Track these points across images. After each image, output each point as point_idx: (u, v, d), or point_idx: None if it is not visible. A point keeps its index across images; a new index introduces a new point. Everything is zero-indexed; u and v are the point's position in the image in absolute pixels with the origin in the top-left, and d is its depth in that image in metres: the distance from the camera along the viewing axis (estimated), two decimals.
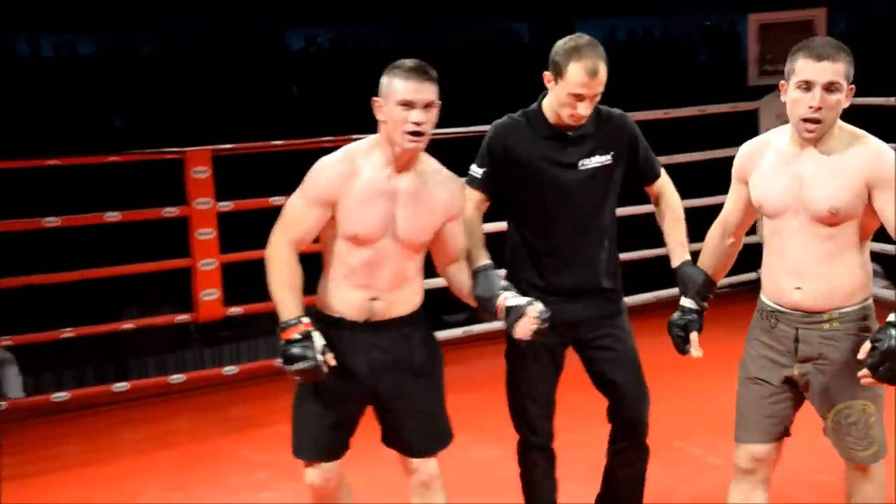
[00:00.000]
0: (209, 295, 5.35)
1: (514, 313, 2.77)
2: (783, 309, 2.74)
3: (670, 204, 3.17)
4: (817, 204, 2.65)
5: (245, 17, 13.24)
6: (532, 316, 2.74)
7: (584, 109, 2.93)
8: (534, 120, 3.05)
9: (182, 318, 5.43)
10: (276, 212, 5.53)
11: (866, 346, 2.58)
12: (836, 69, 2.59)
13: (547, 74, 2.98)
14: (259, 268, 6.15)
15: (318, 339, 2.71)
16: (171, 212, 5.25)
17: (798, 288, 2.70)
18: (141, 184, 6.19)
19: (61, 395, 5.11)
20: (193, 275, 5.32)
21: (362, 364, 2.83)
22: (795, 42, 2.71)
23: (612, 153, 3.05)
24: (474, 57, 13.65)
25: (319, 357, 2.69)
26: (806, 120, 2.62)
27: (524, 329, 2.76)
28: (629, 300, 4.05)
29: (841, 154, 2.65)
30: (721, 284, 3.13)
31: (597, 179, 3.04)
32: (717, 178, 6.14)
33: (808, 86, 2.60)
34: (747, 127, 6.91)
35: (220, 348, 7.01)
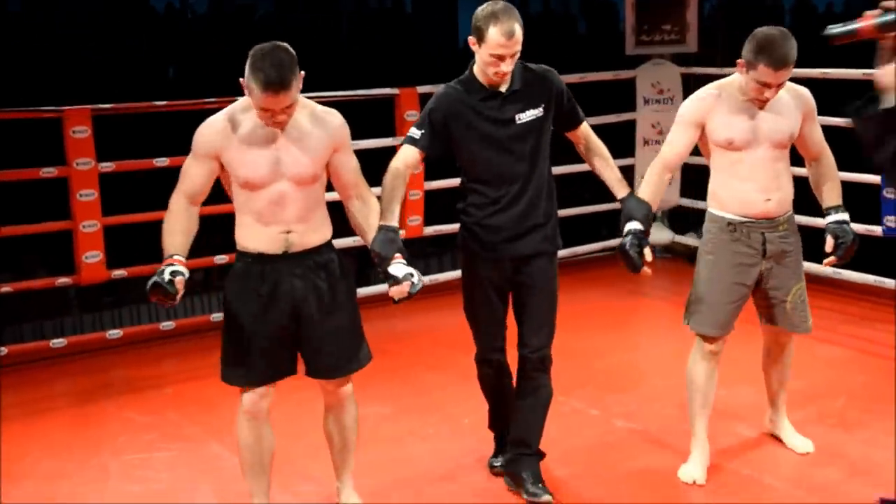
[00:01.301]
0: (92, 257, 5.26)
1: (392, 279, 3.09)
2: (751, 220, 3.53)
3: (598, 146, 3.54)
4: (780, 134, 3.49)
5: None
6: (405, 286, 3.07)
7: (506, 67, 3.27)
8: (468, 85, 3.40)
9: (63, 280, 5.31)
10: (159, 173, 5.58)
11: (830, 240, 3.54)
12: (789, 70, 3.34)
13: (471, 39, 3.31)
14: (142, 230, 6.11)
15: (172, 266, 2.98)
16: (49, 172, 5.12)
17: (768, 199, 3.51)
18: (17, 143, 5.98)
19: None
20: (75, 237, 5.22)
21: (285, 293, 3.11)
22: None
23: (543, 105, 3.39)
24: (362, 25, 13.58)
25: (165, 277, 2.94)
26: (759, 100, 3.44)
27: (397, 292, 3.09)
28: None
29: (782, 96, 3.48)
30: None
31: (532, 130, 3.39)
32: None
33: (766, 85, 3.36)
34: (625, 94, 7.16)
35: (101, 314, 6.87)
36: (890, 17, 2.16)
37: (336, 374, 3.23)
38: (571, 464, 3.83)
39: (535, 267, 3.47)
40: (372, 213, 3.22)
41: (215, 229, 4.80)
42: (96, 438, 4.29)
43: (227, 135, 3.04)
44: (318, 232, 3.17)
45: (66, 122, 5.10)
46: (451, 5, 16.44)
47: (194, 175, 3.08)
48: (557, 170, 4.68)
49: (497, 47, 3.23)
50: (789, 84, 3.52)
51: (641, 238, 3.38)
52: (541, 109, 3.39)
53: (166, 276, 2.93)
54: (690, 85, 6.48)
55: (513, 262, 3.45)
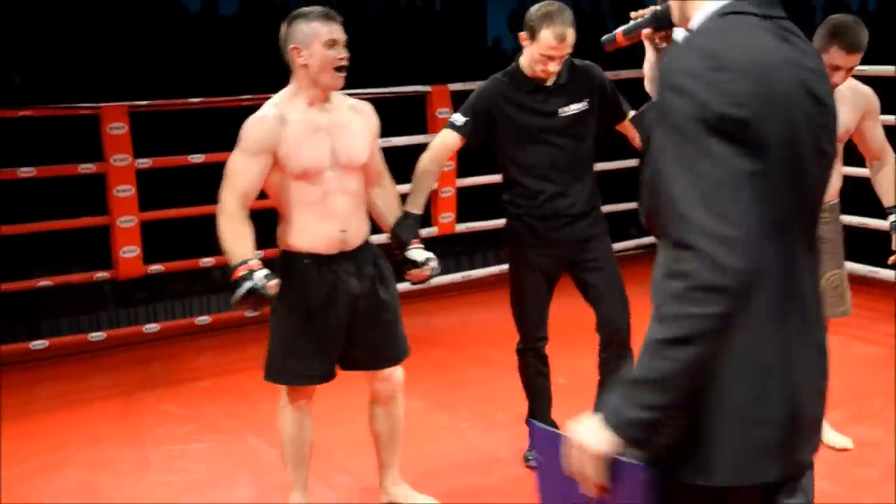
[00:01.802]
0: (129, 252, 5.33)
1: (411, 263, 3.24)
2: None
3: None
4: (838, 129, 3.28)
5: None
6: (426, 269, 3.24)
7: (554, 67, 3.40)
8: (514, 77, 3.50)
9: (101, 275, 5.38)
10: (195, 169, 5.64)
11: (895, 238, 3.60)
12: (859, 56, 3.36)
13: (522, 35, 3.41)
14: (178, 225, 6.18)
15: (260, 271, 2.95)
16: (87, 168, 5.19)
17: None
18: (56, 140, 6.07)
19: None
20: (112, 232, 5.29)
21: (343, 293, 3.13)
22: None
23: (587, 99, 3.50)
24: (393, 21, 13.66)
25: (260, 283, 2.92)
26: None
27: (416, 276, 3.26)
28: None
29: (843, 92, 3.48)
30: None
31: (575, 123, 3.49)
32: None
33: (836, 68, 3.34)
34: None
35: (136, 309, 6.94)
36: (633, 23, 2.00)
37: (395, 361, 3.31)
38: None
39: (595, 248, 3.58)
40: (394, 199, 3.33)
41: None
42: (135, 429, 4.35)
43: (281, 126, 3.02)
44: (365, 226, 3.22)
45: (104, 119, 5.16)
46: (480, 3, 16.49)
47: (249, 174, 3.01)
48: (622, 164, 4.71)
49: (548, 48, 3.34)
50: (852, 81, 3.58)
51: None
52: (585, 103, 3.49)
53: (260, 281, 2.91)
54: None
55: (565, 248, 3.56)
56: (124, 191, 5.26)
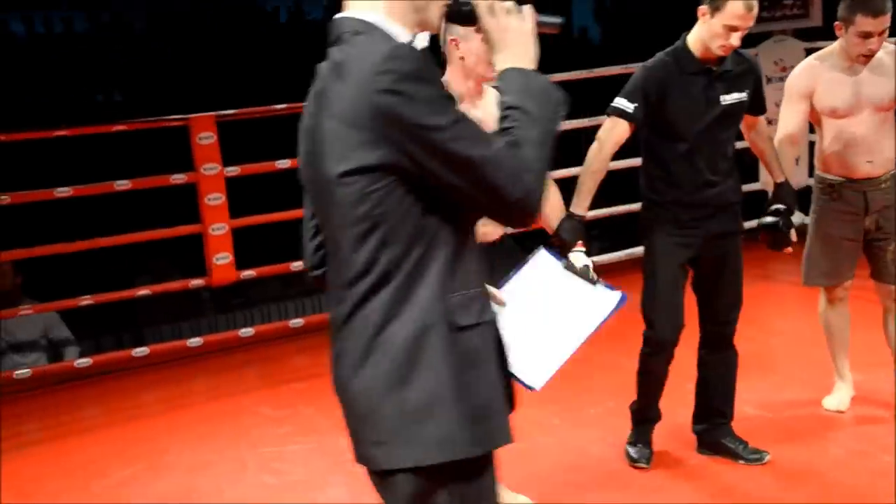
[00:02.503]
0: (222, 259, 5.45)
1: (570, 267, 3.09)
2: (853, 179, 3.69)
3: (766, 130, 3.62)
4: (882, 98, 3.61)
5: None
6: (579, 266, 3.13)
7: (736, 40, 3.26)
8: (681, 57, 3.38)
9: (196, 282, 5.52)
10: (281, 175, 5.72)
11: None
12: (887, 18, 3.45)
13: (703, 8, 3.29)
14: (268, 231, 6.27)
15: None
16: (179, 178, 5.32)
17: (870, 161, 3.65)
18: (148, 153, 6.24)
19: (83, 361, 5.21)
20: (205, 240, 5.41)
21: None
22: None
23: (746, 90, 3.42)
24: None
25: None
26: (864, 55, 3.54)
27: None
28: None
29: (884, 59, 3.59)
30: None
31: (733, 113, 3.42)
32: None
33: (867, 35, 3.46)
34: None
35: (234, 314, 7.11)
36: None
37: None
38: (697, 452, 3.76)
39: (729, 244, 3.52)
40: (555, 203, 3.20)
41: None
42: (233, 432, 4.45)
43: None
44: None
45: (193, 130, 5.29)
46: None
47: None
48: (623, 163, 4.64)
49: (735, 18, 3.21)
50: (891, 46, 3.62)
51: (788, 218, 3.48)
52: (745, 94, 3.41)
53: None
54: None
55: (704, 240, 3.48)
56: (215, 199, 5.38)
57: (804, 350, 4.80)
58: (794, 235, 3.48)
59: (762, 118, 3.59)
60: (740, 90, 3.39)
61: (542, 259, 3.03)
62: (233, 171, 5.41)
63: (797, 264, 3.94)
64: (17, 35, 13.73)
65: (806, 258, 3.88)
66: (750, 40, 7.19)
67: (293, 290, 7.45)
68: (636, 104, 3.35)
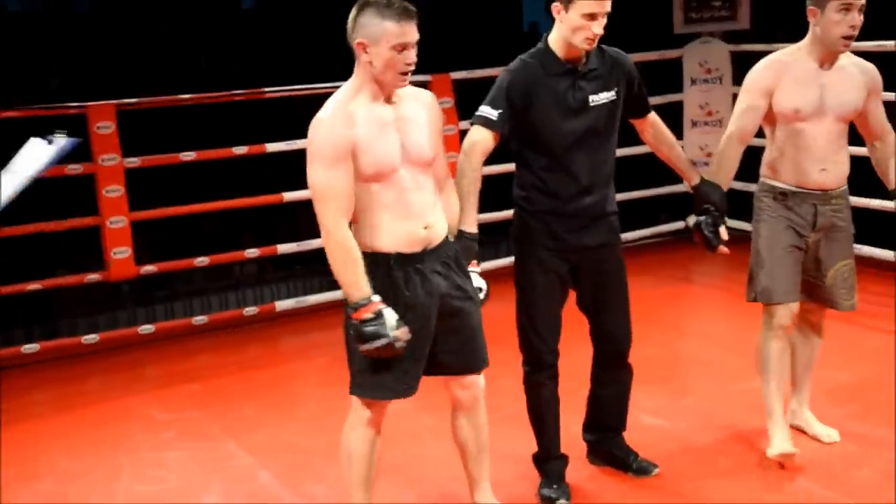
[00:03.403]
0: (120, 253, 5.24)
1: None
2: (805, 190, 3.42)
3: (667, 133, 3.43)
4: (845, 107, 3.39)
5: None
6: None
7: (598, 28, 3.07)
8: (544, 59, 3.19)
9: (92, 277, 5.30)
10: (185, 168, 5.54)
11: None
12: None
13: (556, 6, 3.12)
14: (170, 225, 6.09)
15: (391, 316, 2.77)
16: (75, 169, 5.11)
17: (823, 170, 3.40)
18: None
19: None
20: (103, 233, 5.21)
21: (428, 294, 2.90)
22: None
23: (616, 89, 3.22)
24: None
25: (392, 334, 2.75)
26: (846, 37, 3.27)
27: None
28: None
29: (849, 69, 3.39)
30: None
31: (605, 114, 3.22)
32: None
33: (848, 8, 3.22)
34: (672, 75, 6.90)
35: (153, 308, 6.88)
36: None
37: (482, 366, 3.07)
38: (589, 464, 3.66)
39: (608, 257, 3.33)
40: (453, 215, 3.04)
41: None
42: (116, 436, 4.25)
43: (352, 125, 2.76)
44: (443, 222, 2.98)
45: (91, 118, 5.07)
46: None
47: (343, 184, 2.75)
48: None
49: (590, 5, 3.03)
50: (856, 58, 3.45)
51: (717, 217, 3.35)
52: (614, 93, 3.22)
53: (393, 332, 2.75)
54: (741, 63, 6.22)
55: (580, 253, 3.28)
56: (113, 191, 5.17)
57: (712, 356, 4.74)
58: (724, 234, 3.34)
59: (653, 117, 3.40)
60: (609, 89, 3.20)
61: None
62: (133, 162, 5.20)
63: (719, 266, 3.82)
64: None
65: (752, 271, 3.52)
66: (677, 40, 7.18)
67: (221, 282, 7.25)
68: (500, 110, 3.14)
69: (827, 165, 3.41)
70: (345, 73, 2.89)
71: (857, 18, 3.24)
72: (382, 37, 2.73)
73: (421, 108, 2.92)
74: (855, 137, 3.57)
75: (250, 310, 5.65)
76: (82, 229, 5.37)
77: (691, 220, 3.43)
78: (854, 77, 3.40)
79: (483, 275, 3.12)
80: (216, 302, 6.23)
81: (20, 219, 5.17)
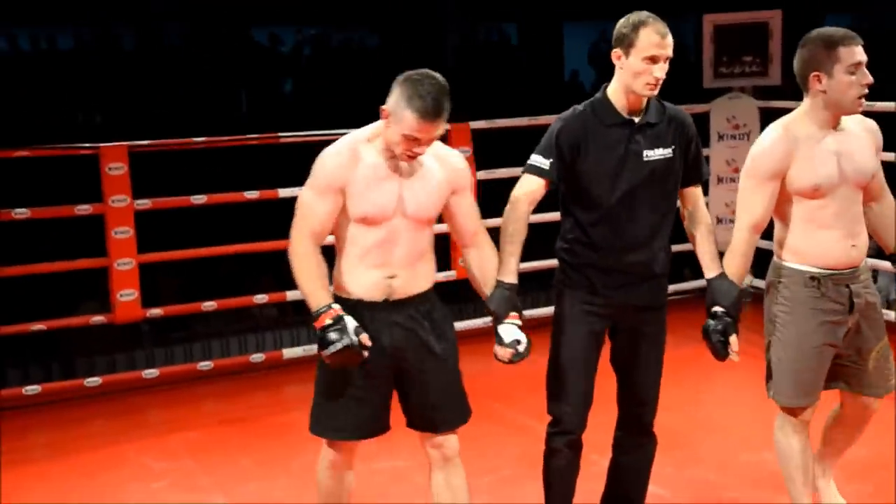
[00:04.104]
0: (127, 296, 5.19)
1: (499, 340, 2.98)
2: (836, 271, 3.10)
3: (705, 214, 3.23)
4: (864, 174, 3.10)
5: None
6: (508, 352, 2.97)
7: (660, 72, 2.96)
8: (600, 109, 3.08)
9: (97, 318, 5.25)
10: (196, 211, 5.50)
11: None
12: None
13: (616, 52, 3.01)
14: (177, 268, 6.04)
15: (351, 322, 2.82)
16: (84, 209, 5.08)
17: (854, 245, 3.09)
18: (53, 180, 6.01)
19: None
20: (110, 274, 5.16)
21: (385, 343, 2.92)
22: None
23: (673, 147, 3.08)
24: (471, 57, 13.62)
25: (354, 338, 2.80)
26: (861, 97, 3.01)
27: (501, 354, 2.98)
28: None
29: (853, 129, 3.11)
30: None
31: (659, 171, 3.07)
32: None
33: (858, 66, 2.97)
34: (699, 129, 6.76)
35: (172, 349, 6.85)
36: None
37: (445, 428, 3.04)
38: None
39: (650, 319, 3.17)
40: (488, 266, 3.03)
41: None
42: (106, 485, 4.16)
43: (353, 165, 2.87)
44: (423, 279, 2.98)
45: (103, 159, 5.05)
46: (557, 37, 16.23)
47: (320, 212, 2.88)
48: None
49: (652, 47, 2.93)
50: (858, 116, 3.15)
51: (728, 324, 3.09)
52: (671, 150, 3.06)
53: (354, 336, 2.80)
54: (770, 119, 6.08)
55: (621, 310, 3.13)
56: (122, 232, 5.14)
57: (726, 423, 4.56)
58: (735, 344, 3.07)
59: (698, 192, 3.19)
60: (666, 146, 3.05)
61: None
62: (143, 203, 5.17)
63: (743, 328, 3.52)
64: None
65: (778, 371, 3.19)
66: (706, 95, 7.06)
67: (240, 325, 7.21)
68: (551, 160, 3.05)
69: (855, 240, 3.11)
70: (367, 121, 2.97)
71: (867, 75, 2.99)
72: (403, 121, 2.79)
73: (442, 168, 2.96)
74: None
75: (257, 357, 5.56)
76: (90, 270, 5.33)
77: (709, 324, 3.13)
78: (862, 138, 3.13)
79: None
80: (235, 344, 6.16)
81: (28, 258, 5.18)
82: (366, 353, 2.82)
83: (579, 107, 3.12)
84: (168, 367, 5.71)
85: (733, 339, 3.08)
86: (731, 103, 6.69)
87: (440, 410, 3.00)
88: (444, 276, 5.93)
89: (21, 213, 4.96)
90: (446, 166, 2.98)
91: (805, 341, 3.12)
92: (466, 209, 3.03)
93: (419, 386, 2.98)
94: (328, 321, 2.79)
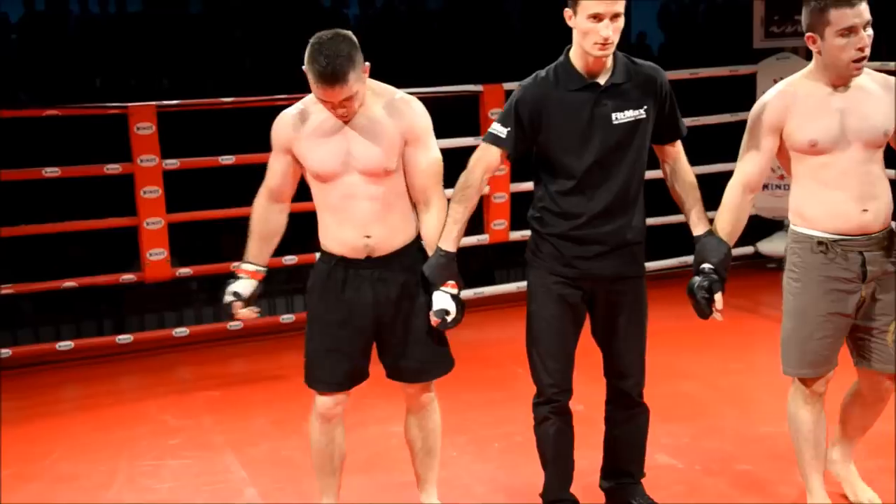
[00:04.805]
0: (156, 255, 5.23)
1: (431, 304, 2.97)
2: (847, 236, 2.95)
3: (688, 170, 3.10)
4: (874, 131, 2.93)
5: None
6: (434, 321, 2.96)
7: (607, 30, 2.80)
8: (562, 74, 2.95)
9: (127, 277, 5.31)
10: (225, 171, 5.50)
11: None
12: (866, 7, 2.82)
13: (567, 11, 2.89)
14: (208, 228, 6.06)
15: (239, 285, 3.05)
16: (114, 168, 5.12)
17: (865, 210, 2.93)
18: (83, 140, 6.06)
19: (5, 352, 5.04)
20: (140, 234, 5.21)
21: (368, 298, 2.98)
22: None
23: (645, 107, 2.95)
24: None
25: (227, 298, 3.04)
26: (857, 60, 2.86)
27: (432, 321, 2.96)
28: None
29: (871, 87, 2.93)
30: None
31: (630, 135, 2.94)
32: (713, 144, 5.83)
33: (851, 31, 2.81)
34: (746, 92, 6.56)
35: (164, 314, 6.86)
36: None
37: (422, 378, 3.10)
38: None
39: (625, 289, 3.06)
40: (433, 227, 2.99)
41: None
42: (122, 441, 4.21)
43: (296, 126, 2.94)
44: (401, 233, 3.00)
45: (131, 119, 5.08)
46: None
47: (276, 170, 3.03)
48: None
49: (594, 5, 2.78)
50: (878, 74, 3.00)
51: (714, 281, 2.96)
52: (642, 111, 2.93)
53: (228, 297, 3.04)
54: None
55: (594, 282, 3.03)
56: (151, 192, 5.17)
57: (751, 394, 4.43)
58: (719, 302, 2.95)
59: (679, 148, 3.07)
60: (637, 107, 2.92)
61: None
62: (172, 164, 5.19)
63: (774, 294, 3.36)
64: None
65: (786, 340, 3.08)
66: (756, 55, 6.82)
67: (287, 285, 7.23)
68: (509, 129, 2.93)
69: (867, 204, 2.93)
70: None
71: (865, 38, 2.82)
72: (310, 82, 2.81)
73: (394, 118, 2.93)
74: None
75: (287, 317, 5.57)
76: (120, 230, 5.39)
77: (694, 280, 3.00)
78: (877, 95, 2.94)
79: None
80: (265, 305, 6.17)
81: (57, 216, 5.24)
82: (241, 315, 3.05)
83: (541, 72, 2.98)
84: (198, 325, 5.73)
85: (718, 296, 2.96)
86: (780, 64, 6.44)
87: (419, 361, 3.04)
88: (476, 239, 5.89)
89: (52, 171, 5.02)
90: (397, 116, 2.92)
91: (811, 309, 3.00)
92: (417, 163, 2.96)
93: (399, 338, 3.02)
94: (232, 275, 3.10)
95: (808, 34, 2.90)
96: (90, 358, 5.30)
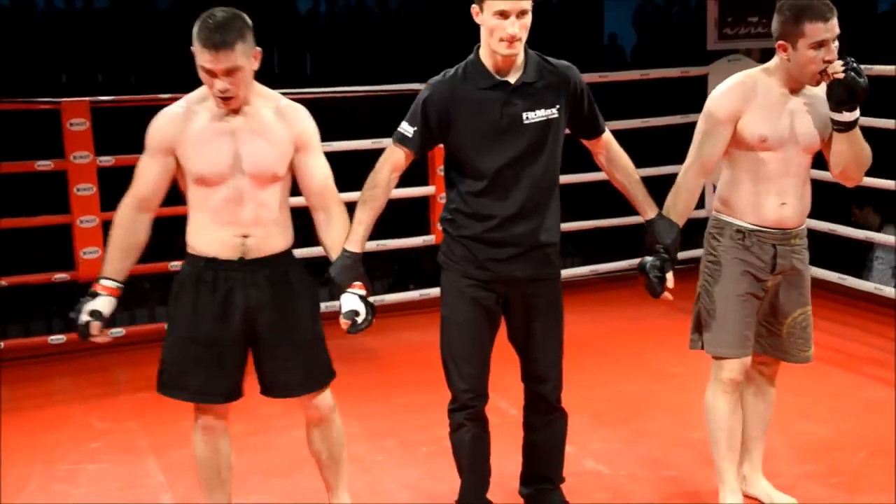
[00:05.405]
0: (90, 253, 5.12)
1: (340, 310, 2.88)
2: (764, 228, 3.08)
3: (622, 158, 3.09)
4: (813, 137, 3.05)
5: None
6: (344, 324, 2.86)
7: (513, 27, 2.75)
8: (472, 72, 2.89)
9: (61, 276, 5.19)
10: None
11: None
12: (837, 22, 2.92)
13: (474, 8, 2.83)
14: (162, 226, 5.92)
15: (95, 301, 2.84)
16: (45, 165, 5.01)
17: (784, 204, 3.06)
18: (14, 135, 5.95)
19: None
20: (73, 232, 5.10)
21: (239, 303, 2.86)
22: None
23: (557, 106, 2.90)
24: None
25: (84, 318, 2.82)
26: (821, 72, 2.94)
27: (342, 323, 2.87)
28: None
29: (813, 95, 3.04)
30: None
31: (542, 133, 2.89)
32: (663, 146, 5.79)
33: (822, 44, 2.91)
34: (698, 92, 6.52)
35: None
36: None
37: (301, 392, 2.98)
38: None
39: (539, 291, 3.01)
40: (335, 231, 2.92)
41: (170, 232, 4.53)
42: (42, 444, 4.10)
43: (182, 126, 2.82)
44: (278, 238, 2.91)
45: (64, 115, 4.97)
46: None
47: (149, 175, 2.86)
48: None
49: (501, 3, 2.73)
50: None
51: (665, 260, 3.01)
52: (554, 110, 2.89)
53: (84, 317, 2.83)
54: None
55: (507, 284, 2.97)
56: (85, 189, 5.06)
57: (689, 400, 4.36)
58: (671, 281, 3.01)
59: (607, 139, 3.06)
60: (549, 106, 2.87)
61: None
62: (107, 160, 5.08)
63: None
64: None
65: (699, 316, 3.19)
66: (709, 57, 6.79)
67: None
68: (415, 128, 2.88)
69: (788, 199, 3.06)
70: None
71: (833, 51, 2.92)
72: (197, 56, 2.71)
73: (284, 124, 2.86)
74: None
75: None
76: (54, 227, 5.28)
77: (645, 259, 3.05)
78: (821, 102, 3.02)
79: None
80: None
81: None
82: (97, 339, 2.85)
83: (451, 70, 2.95)
84: (132, 326, 5.62)
85: (670, 275, 3.01)
86: (731, 66, 6.38)
87: (294, 374, 2.93)
88: (422, 240, 5.82)
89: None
90: (288, 122, 2.87)
91: (731, 289, 3.10)
92: (311, 168, 2.90)
93: (273, 349, 2.91)
94: (90, 291, 2.85)
95: (779, 42, 2.95)
96: (21, 359, 5.18)
